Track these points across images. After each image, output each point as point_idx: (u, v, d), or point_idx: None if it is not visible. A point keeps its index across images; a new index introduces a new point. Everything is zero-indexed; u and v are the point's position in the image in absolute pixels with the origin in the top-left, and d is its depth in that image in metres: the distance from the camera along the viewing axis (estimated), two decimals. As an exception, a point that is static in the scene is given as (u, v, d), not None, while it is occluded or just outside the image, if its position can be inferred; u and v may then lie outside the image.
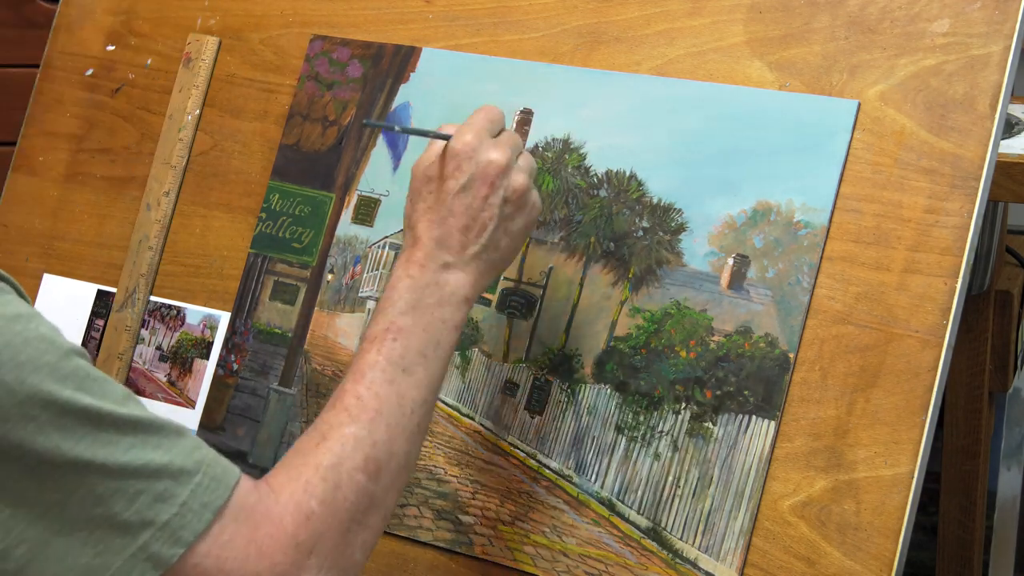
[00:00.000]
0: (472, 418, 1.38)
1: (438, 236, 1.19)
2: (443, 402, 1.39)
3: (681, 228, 1.32)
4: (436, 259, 1.18)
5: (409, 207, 1.22)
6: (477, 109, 1.25)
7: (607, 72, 1.38)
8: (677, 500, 1.26)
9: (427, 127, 1.45)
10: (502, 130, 1.25)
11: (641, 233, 1.33)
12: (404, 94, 1.48)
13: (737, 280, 1.28)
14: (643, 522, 1.27)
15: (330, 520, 1.05)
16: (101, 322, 1.57)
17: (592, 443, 1.31)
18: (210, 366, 1.51)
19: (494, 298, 1.39)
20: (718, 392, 1.26)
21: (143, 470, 0.98)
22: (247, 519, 1.02)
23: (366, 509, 1.08)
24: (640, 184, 1.35)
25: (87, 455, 0.96)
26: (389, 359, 1.14)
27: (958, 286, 1.20)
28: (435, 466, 1.37)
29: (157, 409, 1.52)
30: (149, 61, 1.62)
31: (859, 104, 1.27)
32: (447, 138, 1.22)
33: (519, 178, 1.21)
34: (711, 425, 1.26)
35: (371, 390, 1.12)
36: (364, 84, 1.50)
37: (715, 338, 1.28)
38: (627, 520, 1.28)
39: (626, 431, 1.30)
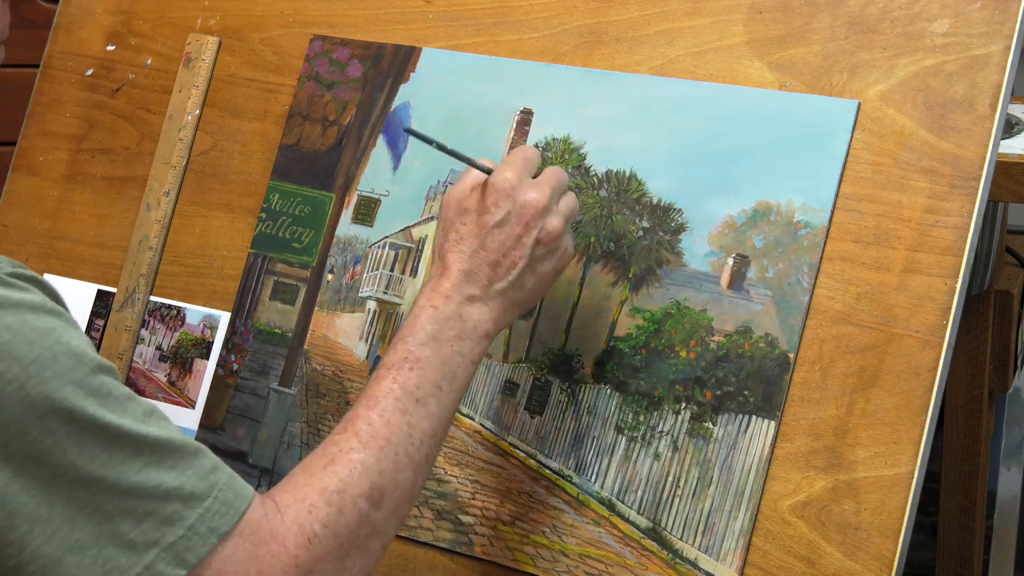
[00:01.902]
0: (472, 418, 1.38)
1: (467, 269, 1.19)
2: (443, 402, 1.39)
3: (681, 228, 1.32)
4: (462, 291, 1.19)
5: (441, 236, 1.23)
6: (516, 148, 1.26)
7: (607, 72, 1.38)
8: (677, 500, 1.26)
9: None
10: (541, 170, 1.25)
11: (641, 233, 1.33)
12: (404, 94, 1.48)
13: (737, 280, 1.28)
14: (643, 522, 1.27)
15: (331, 544, 1.06)
16: (101, 322, 1.57)
17: (592, 443, 1.31)
18: (210, 366, 1.51)
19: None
20: (718, 392, 1.26)
21: (153, 491, 0.99)
22: (251, 535, 1.02)
23: (367, 535, 1.08)
24: (640, 184, 1.35)
25: (99, 472, 0.97)
26: (404, 388, 1.14)
27: (958, 286, 1.20)
28: (435, 466, 1.37)
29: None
30: (149, 61, 1.62)
31: (859, 104, 1.27)
32: (487, 171, 1.22)
33: (554, 221, 1.21)
34: (711, 425, 1.26)
35: (383, 418, 1.12)
36: (364, 84, 1.50)
37: (715, 338, 1.28)
38: (627, 520, 1.28)
39: (626, 431, 1.30)
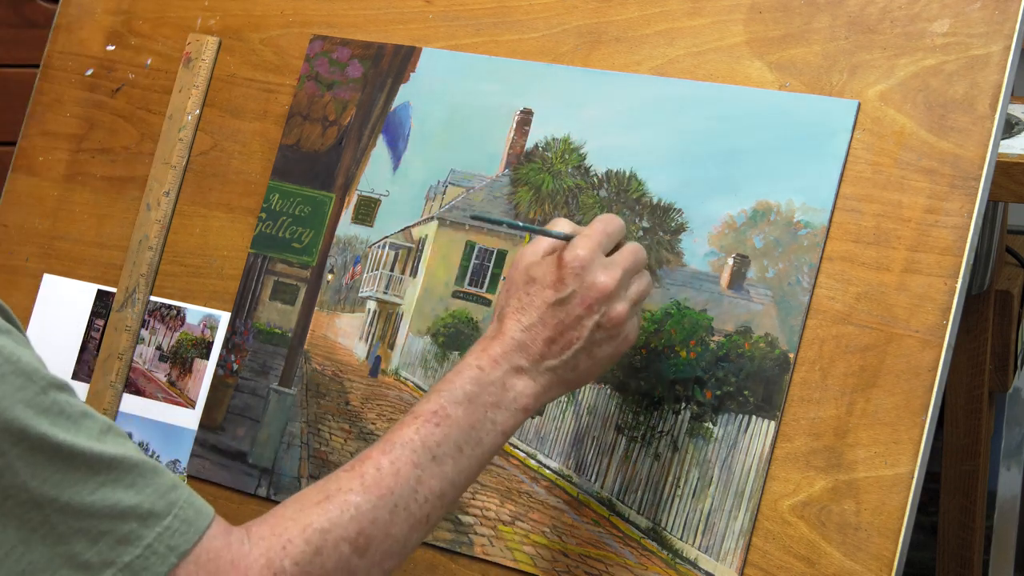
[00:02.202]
0: (472, 418, 1.38)
1: (521, 339, 1.16)
2: (443, 402, 1.39)
3: (681, 228, 1.32)
4: (511, 360, 1.16)
5: (503, 296, 1.20)
6: (598, 218, 1.21)
7: (607, 72, 1.38)
8: (677, 500, 1.26)
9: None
10: (621, 243, 1.22)
11: (641, 233, 1.33)
12: (404, 94, 1.48)
13: (737, 280, 1.28)
14: (643, 522, 1.27)
15: None
16: (101, 322, 1.57)
17: (592, 443, 1.31)
18: (210, 366, 1.51)
19: (494, 298, 1.39)
20: (718, 392, 1.26)
21: (109, 511, 0.96)
22: (208, 563, 0.99)
23: None
24: (640, 184, 1.35)
25: (52, 493, 0.95)
26: (424, 442, 1.11)
27: (958, 286, 1.20)
28: (435, 466, 1.37)
29: (157, 409, 1.52)
30: (149, 61, 1.62)
31: (859, 104, 1.27)
32: (564, 238, 1.19)
33: (619, 307, 1.18)
34: (711, 425, 1.26)
35: (394, 466, 1.09)
36: (364, 84, 1.50)
37: (715, 338, 1.28)
38: (627, 520, 1.28)
39: (626, 431, 1.30)
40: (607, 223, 1.21)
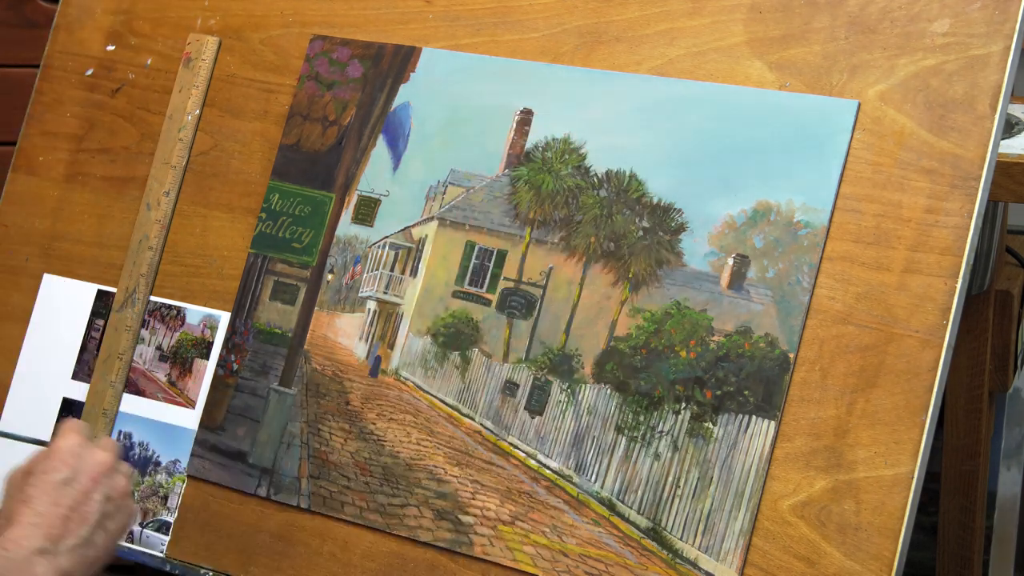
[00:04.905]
0: (472, 418, 1.38)
1: (36, 522, 1.18)
2: (443, 402, 1.39)
3: (681, 228, 1.32)
4: (32, 541, 1.17)
5: (8, 503, 1.22)
6: (65, 422, 1.29)
7: (607, 72, 1.38)
8: (677, 500, 1.26)
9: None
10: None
11: (641, 233, 1.33)
12: (404, 94, 1.48)
13: (737, 280, 1.28)
14: (643, 522, 1.27)
15: None
16: (101, 322, 1.57)
17: (592, 443, 1.31)
18: (210, 366, 1.51)
19: (494, 298, 1.39)
20: (718, 392, 1.26)
21: None
22: None
23: None
24: (640, 184, 1.35)
25: None
26: None
27: (958, 286, 1.20)
28: (435, 466, 1.37)
29: (157, 409, 1.52)
30: (149, 61, 1.62)
31: (859, 104, 1.27)
32: (44, 443, 1.25)
33: (122, 480, 1.26)
34: (711, 425, 1.26)
35: None
36: (364, 84, 1.50)
37: (715, 338, 1.28)
38: (627, 520, 1.28)
39: (626, 431, 1.30)
40: (76, 423, 1.29)
